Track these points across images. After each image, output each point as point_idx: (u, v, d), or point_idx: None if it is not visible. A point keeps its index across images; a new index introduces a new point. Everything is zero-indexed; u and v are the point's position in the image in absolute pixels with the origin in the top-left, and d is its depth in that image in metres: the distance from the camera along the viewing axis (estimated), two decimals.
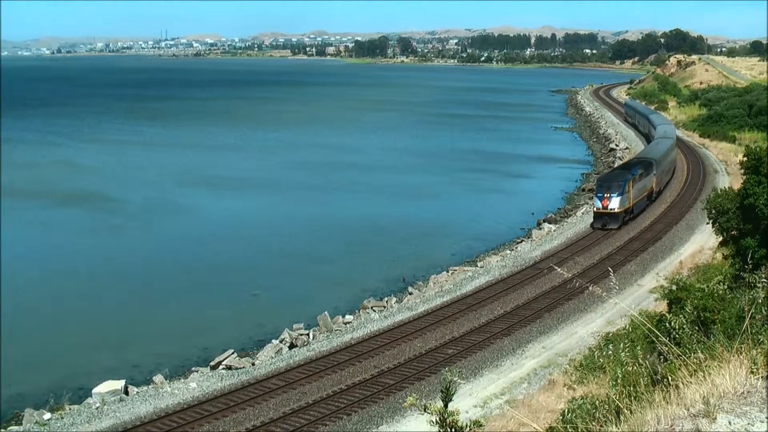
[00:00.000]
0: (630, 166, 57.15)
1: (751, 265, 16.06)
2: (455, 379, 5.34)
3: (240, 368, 32.11)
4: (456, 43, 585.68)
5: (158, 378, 30.77)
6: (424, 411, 5.29)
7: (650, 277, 43.13)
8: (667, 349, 8.71)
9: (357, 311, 40.33)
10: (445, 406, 5.26)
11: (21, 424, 27.44)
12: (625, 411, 6.74)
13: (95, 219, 63.67)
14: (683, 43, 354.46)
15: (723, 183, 62.32)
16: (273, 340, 35.38)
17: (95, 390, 29.12)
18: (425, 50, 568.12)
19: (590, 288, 10.75)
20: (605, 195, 50.42)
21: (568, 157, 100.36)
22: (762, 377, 6.36)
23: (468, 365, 31.20)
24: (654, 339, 10.03)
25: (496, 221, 63.00)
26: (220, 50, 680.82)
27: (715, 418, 5.58)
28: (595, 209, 52.08)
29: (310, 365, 31.56)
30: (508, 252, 50.87)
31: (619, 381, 9.21)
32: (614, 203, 50.59)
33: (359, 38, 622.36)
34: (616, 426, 6.76)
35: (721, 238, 35.85)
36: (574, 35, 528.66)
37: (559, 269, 15.56)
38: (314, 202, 70.48)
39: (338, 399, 28.47)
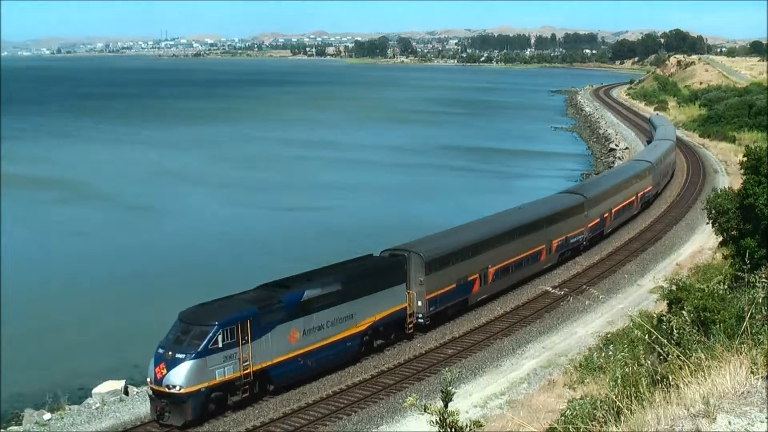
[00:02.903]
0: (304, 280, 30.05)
1: (750, 265, 16.07)
2: (455, 380, 5.34)
3: None
4: (456, 44, 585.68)
5: None
6: (424, 411, 5.29)
7: (650, 277, 43.15)
8: (667, 349, 8.71)
9: None
10: (445, 406, 5.26)
11: (21, 424, 27.44)
12: (625, 411, 6.74)
13: (93, 216, 63.69)
14: (683, 43, 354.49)
15: (723, 183, 62.39)
16: None
17: (95, 390, 29.12)
18: (425, 50, 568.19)
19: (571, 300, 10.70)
20: (167, 355, 25.55)
21: (568, 157, 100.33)
22: (762, 377, 6.37)
23: (468, 365, 31.21)
24: (654, 340, 10.04)
25: None
26: (219, 50, 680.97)
27: (715, 418, 5.58)
28: (149, 381, 26.31)
29: None
30: None
31: (619, 381, 9.22)
32: (178, 376, 25.19)
33: (359, 38, 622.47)
34: (616, 426, 6.76)
35: (720, 238, 35.86)
36: (574, 35, 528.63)
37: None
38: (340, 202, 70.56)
39: (338, 399, 28.50)
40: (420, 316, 34.19)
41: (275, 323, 27.40)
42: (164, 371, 25.11)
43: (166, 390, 25.01)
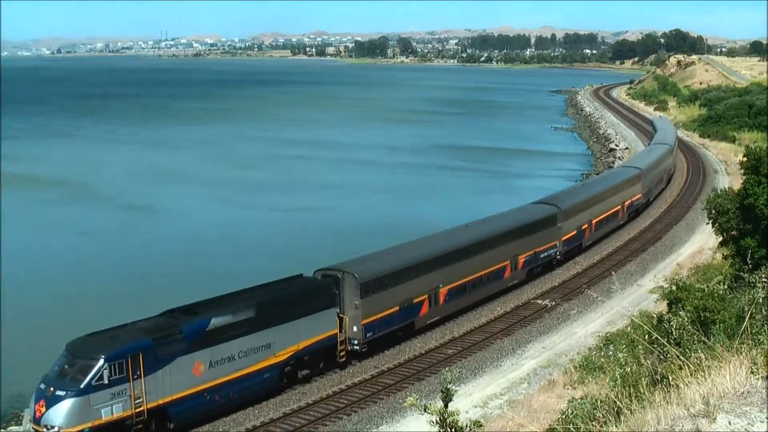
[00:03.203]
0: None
1: (750, 265, 16.06)
2: (455, 380, 5.34)
3: None
4: (456, 44, 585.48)
5: None
6: (424, 411, 5.29)
7: (650, 277, 43.15)
8: (667, 349, 8.71)
9: None
10: (445, 406, 5.26)
11: (21, 424, 27.42)
12: (625, 411, 6.74)
13: (88, 216, 63.70)
14: (683, 43, 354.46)
15: (723, 183, 62.37)
16: None
17: None
18: (425, 50, 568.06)
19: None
20: (47, 391, 23.26)
21: (568, 157, 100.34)
22: (762, 377, 6.36)
23: (468, 365, 31.22)
24: (654, 340, 10.04)
25: None
26: (219, 50, 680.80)
27: (715, 418, 5.58)
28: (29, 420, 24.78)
29: None
30: None
31: (618, 381, 9.22)
32: (57, 415, 22.82)
33: (359, 38, 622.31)
34: (616, 426, 6.76)
35: (720, 238, 35.85)
36: (574, 35, 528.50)
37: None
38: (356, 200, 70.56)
39: (338, 399, 28.51)
40: (355, 342, 31.09)
41: (175, 355, 24.72)
42: (43, 409, 22.59)
43: (45, 430, 22.47)
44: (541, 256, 43.15)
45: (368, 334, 31.44)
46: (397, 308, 32.82)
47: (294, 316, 28.50)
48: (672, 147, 72.74)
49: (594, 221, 49.69)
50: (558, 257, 45.14)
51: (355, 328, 31.07)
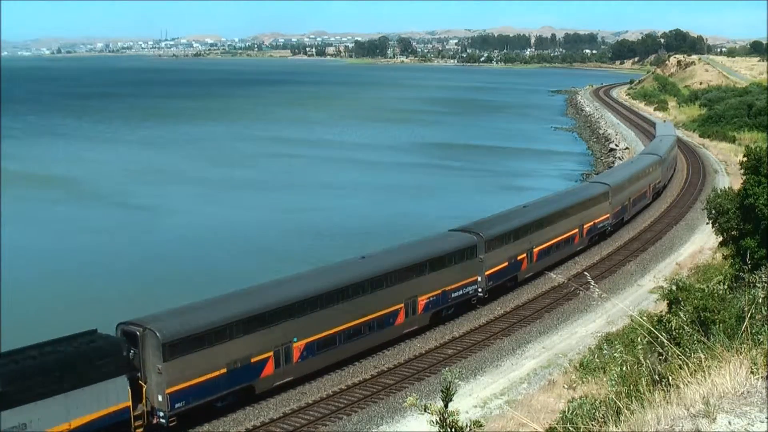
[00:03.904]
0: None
1: (750, 265, 16.05)
2: (456, 380, 5.34)
3: None
4: (456, 44, 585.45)
5: None
6: (425, 411, 5.29)
7: (650, 277, 43.17)
8: (667, 349, 8.71)
9: None
10: (445, 406, 5.26)
11: None
12: (625, 411, 6.74)
13: (82, 215, 63.70)
14: (683, 43, 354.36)
15: (723, 183, 62.38)
16: None
17: None
18: (425, 50, 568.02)
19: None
20: None
21: (568, 157, 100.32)
22: (762, 377, 6.36)
23: (468, 365, 31.23)
24: (654, 339, 10.04)
25: None
26: (219, 50, 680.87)
27: (715, 418, 5.58)
28: None
29: None
30: None
31: (619, 381, 9.22)
32: None
33: (359, 38, 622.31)
34: (616, 426, 6.75)
35: (721, 238, 35.87)
36: (574, 35, 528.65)
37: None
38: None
39: (338, 399, 28.51)
40: (161, 414, 25.32)
41: None
42: None
43: None
44: (452, 296, 36.52)
45: (177, 405, 25.49)
46: (223, 370, 26.78)
47: (66, 387, 22.83)
48: (662, 158, 65.71)
49: (537, 249, 43.00)
50: (481, 295, 38.38)
51: (160, 398, 25.33)
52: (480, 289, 38.30)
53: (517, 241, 41.22)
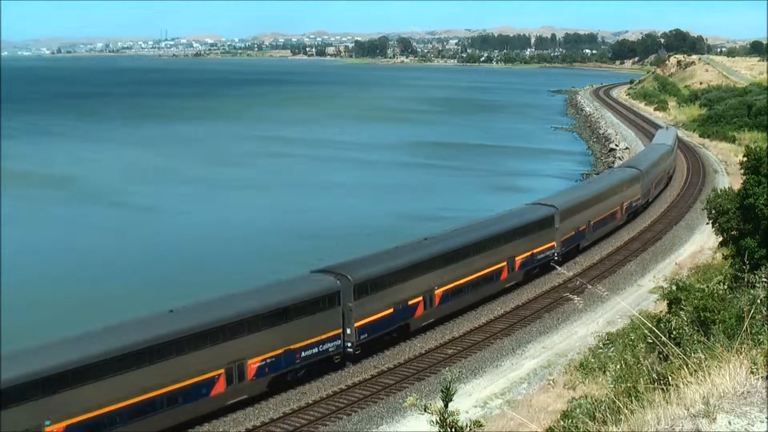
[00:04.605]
0: None
1: (750, 265, 16.07)
2: (455, 380, 5.34)
3: None
4: (456, 44, 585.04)
5: None
6: (425, 411, 5.29)
7: (650, 277, 43.18)
8: (667, 349, 8.71)
9: None
10: (445, 406, 5.26)
11: None
12: (625, 411, 6.74)
13: (74, 213, 63.76)
14: (683, 43, 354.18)
15: (723, 183, 62.38)
16: None
17: None
18: (425, 50, 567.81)
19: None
20: None
21: (568, 157, 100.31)
22: (762, 377, 6.36)
23: (468, 365, 31.23)
24: (654, 339, 10.04)
25: None
26: (220, 50, 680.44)
27: (715, 418, 5.58)
28: None
29: None
30: None
31: (618, 381, 9.23)
32: None
33: (359, 38, 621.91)
34: (616, 426, 6.76)
35: (720, 238, 35.86)
36: (574, 35, 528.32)
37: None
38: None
39: (338, 399, 28.52)
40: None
41: None
42: None
43: None
44: (303, 354, 29.35)
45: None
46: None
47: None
48: (641, 172, 58.31)
49: (440, 290, 35.60)
50: (350, 351, 31.30)
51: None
52: (350, 344, 31.03)
53: (406, 282, 33.54)
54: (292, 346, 28.64)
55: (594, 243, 50.57)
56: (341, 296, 30.57)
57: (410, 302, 33.84)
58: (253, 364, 27.45)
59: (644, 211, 60.29)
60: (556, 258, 44.19)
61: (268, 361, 27.93)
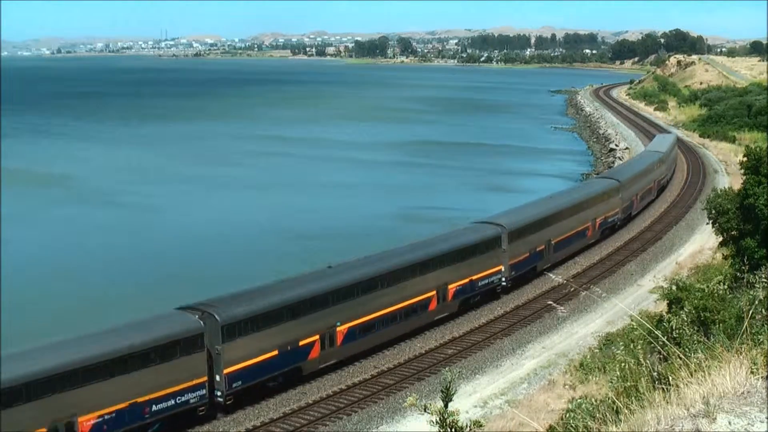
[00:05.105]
0: None
1: (750, 265, 16.08)
2: (456, 380, 5.34)
3: None
4: (456, 44, 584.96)
5: None
6: (425, 411, 5.29)
7: (650, 277, 43.18)
8: (667, 349, 8.71)
9: None
10: (445, 406, 5.26)
11: None
12: (625, 411, 6.74)
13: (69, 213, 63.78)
14: (683, 43, 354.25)
15: (723, 183, 62.39)
16: None
17: None
18: (425, 50, 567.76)
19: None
20: None
21: (568, 156, 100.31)
22: (762, 377, 6.36)
23: (468, 365, 31.24)
24: (654, 339, 10.04)
25: None
26: (220, 50, 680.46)
27: (715, 418, 5.58)
28: None
29: None
30: None
31: (618, 381, 9.22)
32: None
33: (359, 38, 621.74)
34: (616, 426, 6.75)
35: (721, 238, 35.87)
36: (574, 35, 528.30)
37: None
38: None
39: (338, 399, 28.52)
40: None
41: None
42: None
43: None
44: (156, 408, 25.14)
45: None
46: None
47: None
48: (620, 183, 53.75)
49: (343, 327, 31.18)
50: (216, 400, 27.00)
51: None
52: (219, 393, 26.92)
53: (296, 319, 29.31)
54: (138, 399, 24.43)
55: (560, 262, 45.37)
56: (205, 338, 26.16)
57: (302, 343, 29.43)
58: (86, 422, 23.24)
59: (625, 226, 54.90)
60: (504, 283, 40.00)
61: (105, 417, 23.68)
